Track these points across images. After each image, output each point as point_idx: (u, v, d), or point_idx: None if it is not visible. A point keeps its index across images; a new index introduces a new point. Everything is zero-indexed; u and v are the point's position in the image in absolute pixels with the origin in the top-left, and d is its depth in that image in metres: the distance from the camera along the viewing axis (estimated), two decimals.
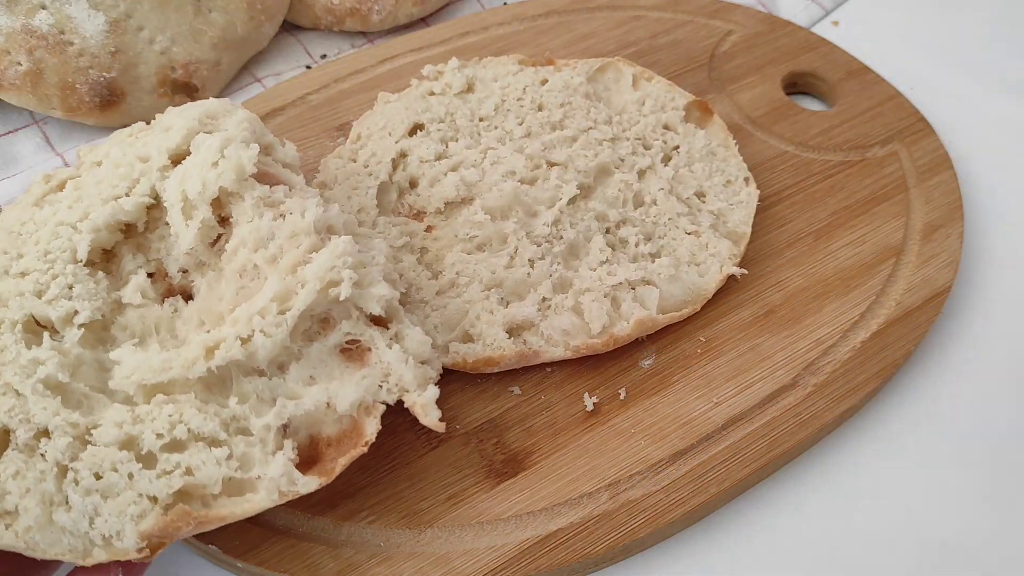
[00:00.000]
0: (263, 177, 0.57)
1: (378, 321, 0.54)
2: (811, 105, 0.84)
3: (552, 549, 0.55)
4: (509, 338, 0.60)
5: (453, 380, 0.62)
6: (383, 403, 0.52)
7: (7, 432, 0.48)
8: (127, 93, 0.75)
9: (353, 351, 0.54)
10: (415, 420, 0.59)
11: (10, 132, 0.77)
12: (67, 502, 0.47)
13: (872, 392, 0.64)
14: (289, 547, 0.54)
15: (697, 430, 0.60)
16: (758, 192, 0.71)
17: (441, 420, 0.52)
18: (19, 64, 0.72)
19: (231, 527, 0.54)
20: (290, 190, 0.57)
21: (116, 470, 0.47)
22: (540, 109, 0.74)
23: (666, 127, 0.75)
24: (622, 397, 0.62)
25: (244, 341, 0.50)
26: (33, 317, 0.52)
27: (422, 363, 0.54)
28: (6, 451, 0.48)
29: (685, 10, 0.87)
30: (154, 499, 0.47)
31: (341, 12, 0.83)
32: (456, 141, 0.71)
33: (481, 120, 0.73)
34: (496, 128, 0.73)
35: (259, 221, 0.54)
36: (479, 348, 0.60)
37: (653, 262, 0.65)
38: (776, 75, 0.83)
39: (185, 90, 0.77)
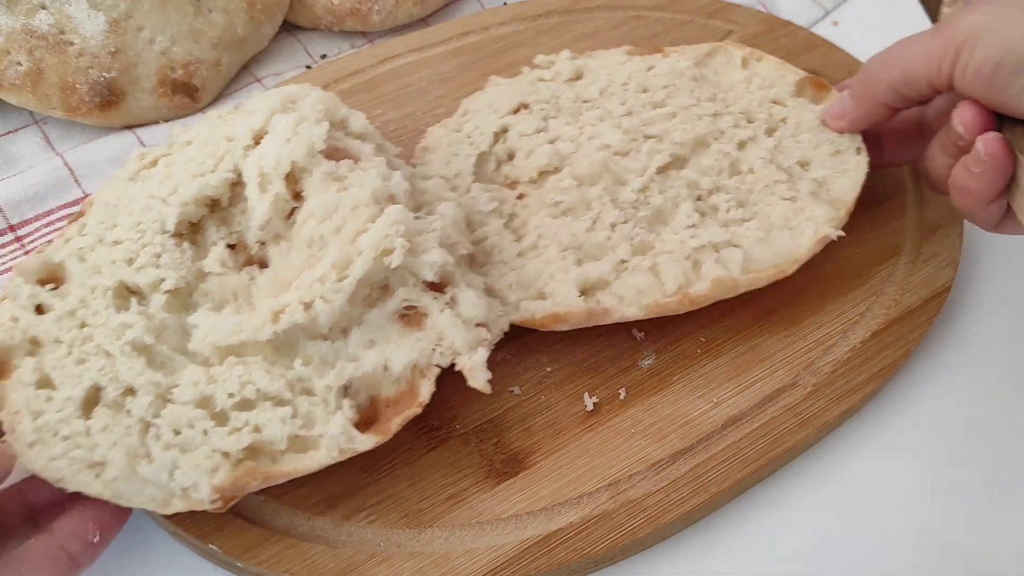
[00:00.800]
0: (334, 152, 0.60)
1: (436, 286, 0.57)
2: None
3: (552, 549, 0.55)
4: (581, 296, 0.60)
5: (454, 380, 0.61)
6: (437, 366, 0.55)
7: (98, 390, 0.52)
8: (127, 93, 0.75)
9: (411, 317, 0.56)
10: (415, 420, 0.59)
11: (10, 132, 0.77)
12: (149, 455, 0.50)
13: (872, 392, 0.64)
14: (289, 547, 0.54)
15: (697, 430, 0.60)
16: (868, 160, 0.67)
17: (490, 382, 0.54)
18: (19, 64, 0.72)
19: (231, 527, 0.55)
20: (355, 163, 0.60)
21: (193, 426, 0.51)
22: (644, 91, 0.73)
23: (775, 102, 0.72)
24: (622, 397, 0.62)
25: (306, 306, 0.54)
26: (124, 283, 0.56)
27: (478, 325, 0.56)
28: (96, 407, 0.51)
29: (685, 10, 0.87)
30: (226, 455, 0.51)
31: (341, 12, 0.83)
32: (557, 119, 0.71)
33: (584, 102, 0.73)
34: (598, 108, 0.72)
35: (326, 194, 0.57)
36: (548, 304, 0.60)
37: (742, 226, 0.63)
38: None
39: (185, 90, 0.77)
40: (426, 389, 0.54)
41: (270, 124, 0.61)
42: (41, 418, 0.50)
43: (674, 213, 0.64)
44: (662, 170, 0.66)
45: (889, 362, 0.64)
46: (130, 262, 0.57)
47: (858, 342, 0.65)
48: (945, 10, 0.65)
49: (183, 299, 0.57)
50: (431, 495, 0.57)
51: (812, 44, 0.85)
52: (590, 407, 0.61)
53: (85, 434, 0.50)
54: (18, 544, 0.49)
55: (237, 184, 0.60)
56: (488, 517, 0.56)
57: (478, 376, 0.54)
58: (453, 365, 0.55)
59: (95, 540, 0.50)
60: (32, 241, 0.69)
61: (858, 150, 0.68)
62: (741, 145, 0.69)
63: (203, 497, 0.49)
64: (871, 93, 0.64)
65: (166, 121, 0.77)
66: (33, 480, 0.51)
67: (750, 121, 0.71)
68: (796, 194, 0.65)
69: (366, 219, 0.56)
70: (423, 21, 0.89)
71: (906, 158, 0.70)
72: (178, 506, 0.50)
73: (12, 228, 0.70)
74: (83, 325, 0.54)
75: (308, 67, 0.85)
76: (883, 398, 0.66)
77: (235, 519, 0.55)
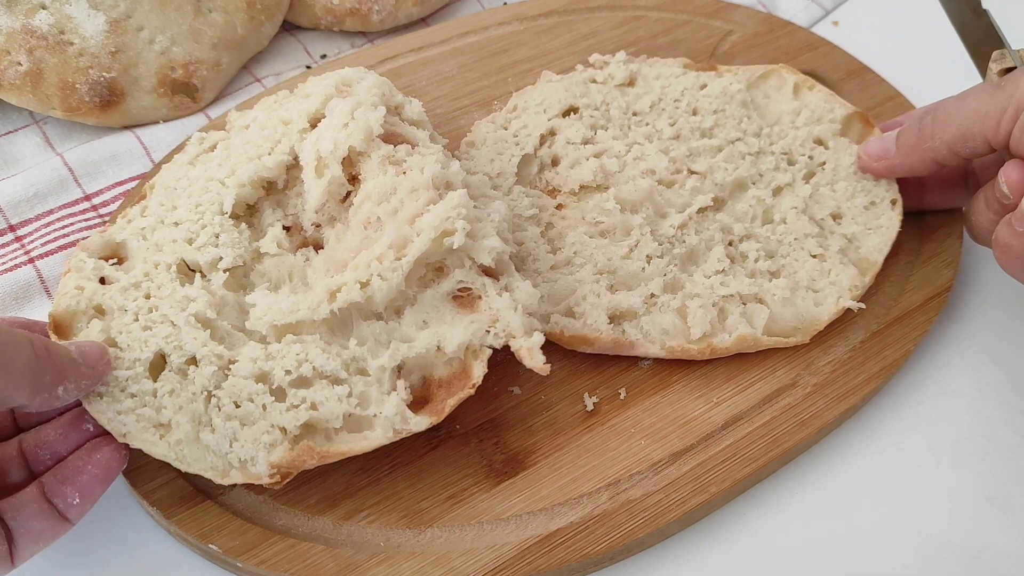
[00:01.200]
0: (390, 137, 0.60)
1: (489, 272, 0.57)
2: None
3: (552, 549, 0.55)
4: (609, 323, 0.61)
5: None
6: (490, 347, 0.55)
7: (163, 357, 0.54)
8: (127, 93, 0.75)
9: (464, 299, 0.57)
10: None
11: (10, 132, 0.77)
12: (211, 424, 0.52)
13: (872, 392, 0.64)
14: (289, 547, 0.54)
15: (697, 430, 0.60)
16: (901, 218, 0.68)
17: (490, 382, 0.55)
18: (19, 64, 0.72)
19: (231, 527, 0.55)
20: (413, 148, 0.60)
21: (252, 400, 0.52)
22: (694, 113, 0.74)
23: (818, 141, 0.73)
24: (622, 397, 0.62)
25: (363, 285, 0.54)
26: (184, 261, 0.58)
27: (529, 315, 0.56)
28: (163, 371, 0.53)
29: (685, 10, 0.87)
30: (284, 430, 0.52)
31: (341, 12, 0.83)
32: (605, 130, 0.72)
33: (634, 115, 0.74)
34: (647, 125, 0.73)
35: (384, 177, 0.57)
36: (578, 324, 0.61)
37: (770, 280, 0.64)
38: None
39: (185, 90, 0.77)
40: (479, 370, 0.54)
41: (327, 108, 0.62)
42: (111, 373, 0.51)
43: (706, 255, 0.65)
44: (701, 210, 0.67)
45: (889, 362, 0.64)
46: (190, 242, 0.58)
47: (858, 342, 0.65)
48: (992, 65, 0.65)
49: (240, 279, 0.59)
50: (431, 495, 0.57)
51: (812, 44, 0.85)
52: (590, 407, 0.61)
53: (153, 395, 0.52)
54: (19, 502, 0.50)
55: (293, 167, 0.61)
56: (488, 517, 0.56)
57: (536, 357, 0.54)
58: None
59: (75, 503, 0.50)
60: (32, 241, 0.69)
61: (893, 202, 0.68)
62: (777, 191, 0.70)
63: (261, 471, 0.51)
64: (922, 147, 0.63)
65: (166, 121, 0.77)
66: (32, 435, 0.52)
67: (791, 164, 0.71)
68: (825, 251, 0.66)
69: (425, 202, 0.56)
70: (423, 21, 0.89)
71: (947, 205, 0.71)
72: (236, 477, 0.51)
73: (12, 228, 0.70)
74: (148, 296, 0.56)
75: (308, 67, 0.85)
76: (883, 398, 0.66)
77: (235, 519, 0.55)
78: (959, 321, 0.71)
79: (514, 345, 0.55)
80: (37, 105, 0.73)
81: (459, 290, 0.57)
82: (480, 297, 0.56)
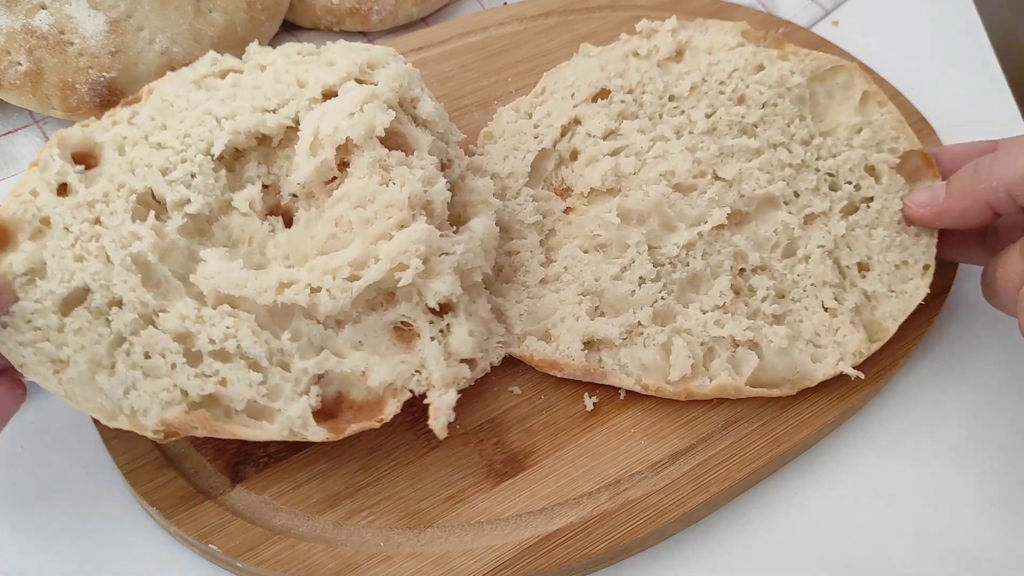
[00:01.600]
0: (391, 136, 0.59)
1: (442, 307, 0.57)
2: None
3: (552, 549, 0.55)
4: (583, 349, 0.59)
5: None
6: (410, 391, 0.55)
7: (85, 291, 0.53)
8: (127, 93, 0.75)
9: (404, 332, 0.57)
10: (415, 420, 0.59)
11: (10, 132, 0.77)
12: (112, 368, 0.51)
13: (872, 392, 0.64)
14: (289, 547, 0.54)
15: (697, 430, 0.60)
16: (928, 291, 0.62)
17: (447, 427, 0.54)
18: (19, 64, 0.72)
19: (231, 527, 0.55)
20: (407, 156, 0.59)
21: (164, 356, 0.52)
22: (739, 103, 0.67)
23: (870, 169, 0.65)
24: (622, 397, 0.62)
25: (313, 291, 0.54)
26: (151, 191, 0.57)
27: (462, 361, 0.56)
28: (78, 308, 0.52)
29: (685, 10, 0.87)
30: (185, 393, 0.51)
31: (341, 12, 0.83)
32: (633, 120, 0.67)
33: (671, 99, 0.68)
34: (681, 113, 0.67)
35: (366, 181, 0.57)
36: (550, 349, 0.60)
37: (771, 325, 0.60)
38: None
39: None
40: (391, 408, 0.54)
41: (343, 88, 0.61)
42: (19, 303, 0.51)
43: (709, 284, 0.61)
44: (715, 227, 0.62)
45: (889, 362, 0.64)
46: (164, 172, 0.57)
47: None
48: None
49: (201, 225, 0.58)
50: (431, 495, 0.57)
51: (812, 44, 0.85)
52: (590, 407, 0.61)
53: (58, 330, 0.51)
54: None
55: (292, 129, 0.61)
56: (488, 517, 0.56)
57: (439, 418, 0.54)
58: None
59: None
60: None
61: (925, 267, 0.63)
62: (809, 220, 0.63)
63: (149, 423, 0.51)
64: (976, 189, 0.58)
65: None
66: None
67: (833, 188, 0.65)
68: (839, 306, 0.61)
69: (395, 223, 0.55)
70: (423, 21, 0.89)
71: (962, 259, 0.67)
72: (122, 423, 0.51)
73: None
74: (96, 221, 0.54)
75: None
76: (883, 398, 0.66)
77: (235, 519, 0.55)
78: (959, 321, 0.71)
79: (429, 396, 0.55)
80: (37, 105, 0.73)
81: (401, 322, 0.57)
82: (418, 335, 0.56)
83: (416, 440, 0.59)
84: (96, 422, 0.58)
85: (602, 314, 0.61)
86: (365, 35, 0.87)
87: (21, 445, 0.61)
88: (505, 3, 0.91)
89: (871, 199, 0.65)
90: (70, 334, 0.51)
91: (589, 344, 0.60)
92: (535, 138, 0.69)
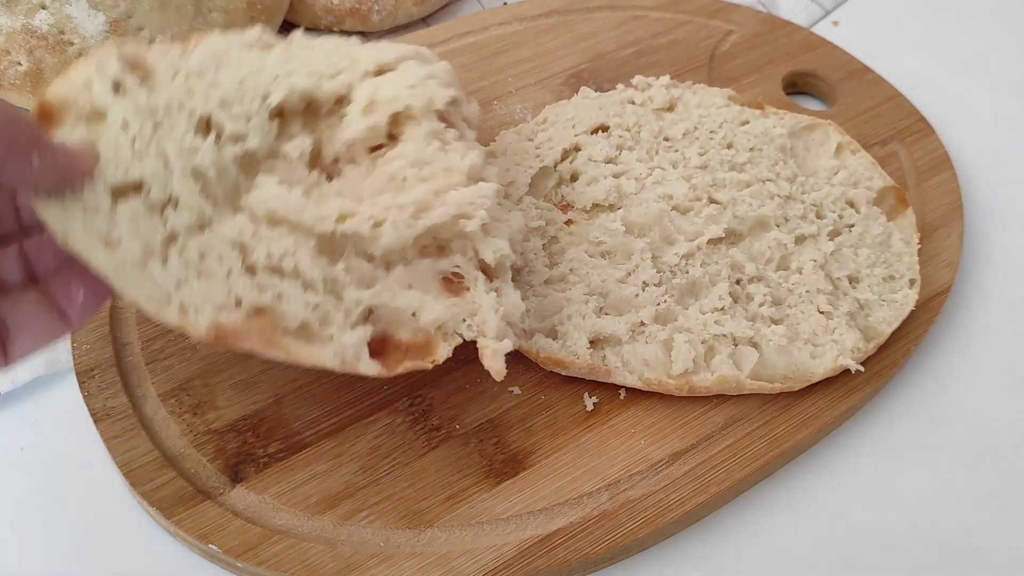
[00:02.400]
0: (445, 119, 0.58)
1: (486, 271, 0.56)
2: (811, 105, 0.84)
3: (552, 549, 0.55)
4: (589, 348, 0.60)
5: (456, 380, 0.62)
6: (460, 335, 0.54)
7: (139, 186, 0.49)
8: None
9: (454, 284, 0.56)
10: (415, 420, 0.59)
11: None
12: (165, 261, 0.48)
13: (872, 392, 0.64)
14: (289, 547, 0.54)
15: (697, 430, 0.60)
16: (916, 299, 0.65)
17: (504, 370, 0.53)
18: (19, 64, 0.72)
19: (231, 527, 0.55)
20: (460, 138, 0.59)
21: (221, 261, 0.50)
22: (728, 147, 0.72)
23: (850, 203, 0.71)
24: (622, 397, 0.62)
25: (376, 224, 0.53)
26: (209, 118, 0.53)
27: (507, 324, 0.56)
28: (131, 200, 0.48)
29: (685, 10, 0.87)
30: (239, 303, 0.49)
31: (341, 12, 0.83)
32: (631, 151, 0.71)
33: (665, 139, 0.72)
34: (676, 151, 0.71)
35: (425, 146, 0.56)
36: (556, 347, 0.60)
37: (770, 326, 0.62)
38: (776, 75, 0.83)
39: None
40: (443, 351, 0.53)
41: (400, 66, 0.59)
42: (88, 179, 0.47)
43: (708, 290, 0.63)
44: (712, 242, 0.65)
45: (889, 362, 0.64)
46: (223, 105, 0.54)
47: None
48: None
49: (251, 166, 0.55)
50: (431, 495, 0.57)
51: (812, 44, 0.85)
52: (590, 407, 0.61)
53: (109, 214, 0.48)
54: (16, 298, 0.49)
55: (340, 103, 0.58)
56: (488, 517, 0.56)
57: (497, 361, 0.53)
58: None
59: (80, 300, 0.49)
60: None
61: (911, 282, 0.66)
62: (800, 240, 0.67)
63: (200, 323, 0.48)
64: None
65: None
66: (37, 245, 0.50)
67: (819, 217, 0.69)
68: (833, 311, 0.63)
69: (456, 183, 0.55)
70: (423, 21, 0.89)
71: None
72: (171, 316, 0.48)
73: None
74: (157, 125, 0.51)
75: None
76: (883, 398, 0.66)
77: (235, 519, 0.55)
78: (959, 321, 0.71)
79: (482, 343, 0.54)
80: None
81: (452, 273, 0.56)
82: (468, 288, 0.56)
83: (416, 440, 0.59)
84: (96, 423, 0.58)
85: (607, 315, 0.62)
86: (365, 35, 0.87)
87: (21, 445, 0.61)
88: (505, 3, 0.91)
89: (853, 226, 0.70)
90: (123, 219, 0.48)
91: (594, 342, 0.61)
92: (537, 157, 0.70)
